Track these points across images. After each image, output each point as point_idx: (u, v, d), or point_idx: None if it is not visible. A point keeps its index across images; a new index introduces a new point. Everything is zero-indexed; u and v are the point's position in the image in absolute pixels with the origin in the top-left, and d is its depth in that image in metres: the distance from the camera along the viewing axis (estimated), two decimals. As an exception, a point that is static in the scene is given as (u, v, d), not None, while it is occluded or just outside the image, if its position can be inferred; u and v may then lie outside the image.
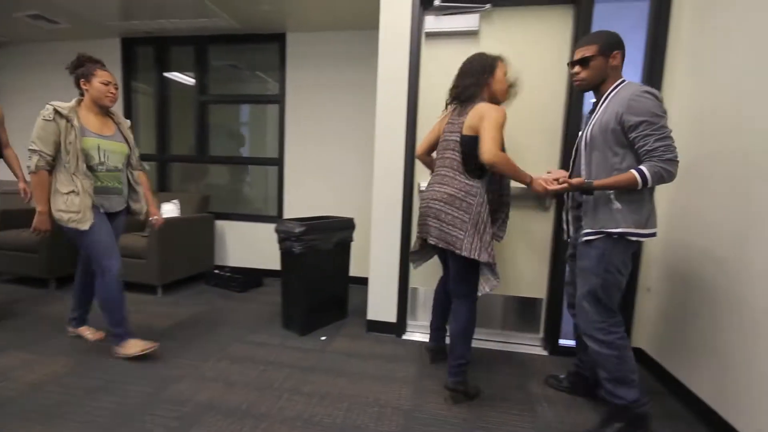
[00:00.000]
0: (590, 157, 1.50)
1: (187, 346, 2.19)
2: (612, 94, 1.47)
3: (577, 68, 1.52)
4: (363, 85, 3.37)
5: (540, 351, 2.34)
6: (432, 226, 1.71)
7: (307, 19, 3.22)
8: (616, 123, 1.40)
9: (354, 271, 3.55)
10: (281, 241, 2.40)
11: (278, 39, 3.51)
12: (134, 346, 2.02)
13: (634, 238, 1.42)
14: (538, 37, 2.23)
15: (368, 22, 3.02)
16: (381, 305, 2.49)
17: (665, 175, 1.34)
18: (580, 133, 1.61)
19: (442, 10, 2.25)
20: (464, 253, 1.61)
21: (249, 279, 3.37)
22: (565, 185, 1.48)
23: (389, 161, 2.37)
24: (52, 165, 1.86)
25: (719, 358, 1.59)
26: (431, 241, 1.72)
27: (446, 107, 1.84)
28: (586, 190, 1.46)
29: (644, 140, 1.35)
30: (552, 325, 2.30)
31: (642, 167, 1.35)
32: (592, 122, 1.50)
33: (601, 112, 1.47)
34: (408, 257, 2.41)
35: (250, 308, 2.89)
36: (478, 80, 1.69)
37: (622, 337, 1.48)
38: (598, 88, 1.53)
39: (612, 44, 1.48)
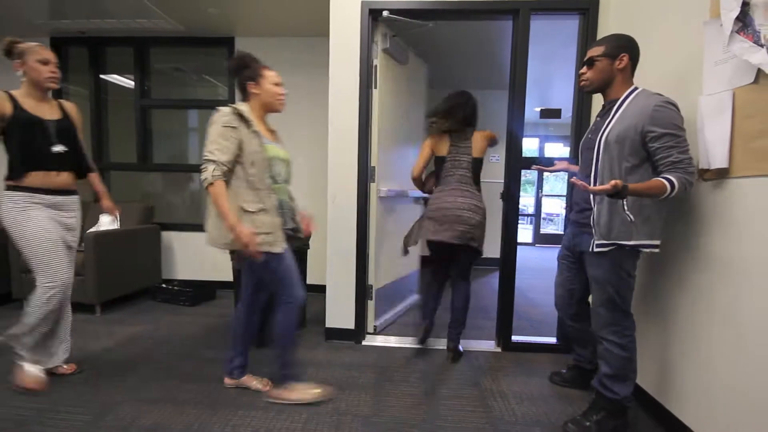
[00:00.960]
0: (603, 165, 1.45)
1: (128, 367, 2.04)
2: (628, 100, 1.44)
3: (584, 68, 1.53)
4: (315, 91, 3.34)
5: (493, 347, 2.44)
6: (459, 230, 2.02)
7: (257, 24, 3.16)
8: (635, 133, 1.37)
9: (312, 279, 3.51)
10: (232, 252, 2.32)
11: (226, 43, 3.41)
12: (305, 392, 1.77)
13: (647, 250, 1.44)
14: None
15: (320, 29, 3.01)
16: (339, 312, 2.47)
17: (688, 188, 1.33)
18: (587, 135, 1.60)
19: (390, 22, 2.31)
20: (480, 249, 2.10)
21: (200, 292, 3.22)
22: (609, 187, 1.27)
23: (343, 168, 2.38)
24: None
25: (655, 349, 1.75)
26: (455, 241, 2.02)
27: (432, 134, 2.19)
28: (619, 193, 1.30)
29: (668, 152, 1.33)
30: (504, 322, 2.40)
31: (670, 177, 1.31)
32: (607, 128, 1.45)
33: (618, 119, 1.43)
34: (365, 263, 2.43)
35: (202, 323, 2.75)
36: (471, 113, 2.15)
37: (633, 339, 1.52)
38: (606, 92, 1.52)
39: (620, 47, 1.46)
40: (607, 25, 2.16)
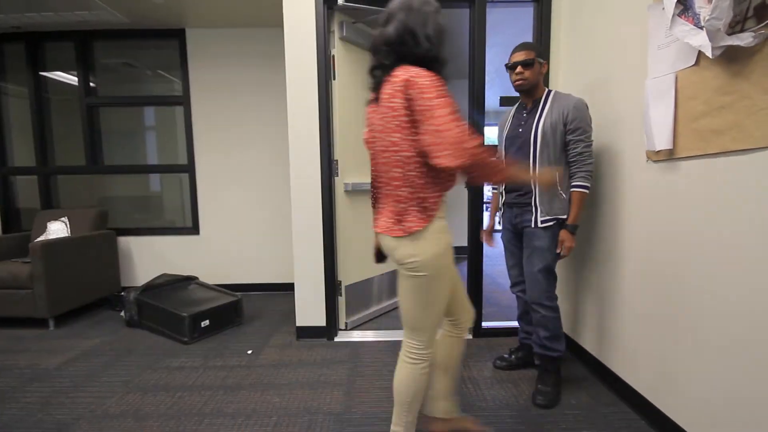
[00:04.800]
0: (542, 152, 1.68)
1: (85, 383, 1.93)
2: (551, 97, 1.72)
3: (519, 68, 1.71)
4: (275, 84, 3.24)
5: (465, 335, 2.47)
6: None
7: (208, 15, 3.01)
8: (562, 123, 1.65)
9: (280, 278, 3.45)
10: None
11: (177, 35, 3.24)
12: None
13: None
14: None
15: (275, 19, 2.90)
16: (309, 310, 2.43)
17: (592, 176, 1.66)
18: (516, 129, 1.78)
19: (348, 11, 2.25)
20: None
21: (164, 298, 3.08)
22: (570, 244, 1.67)
23: (305, 163, 2.32)
24: None
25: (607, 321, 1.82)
26: None
27: None
28: (575, 230, 1.68)
29: (576, 144, 1.64)
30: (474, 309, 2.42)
31: (578, 182, 1.64)
32: (540, 120, 1.69)
33: (548, 112, 1.69)
34: (333, 258, 2.39)
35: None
36: None
37: (557, 298, 1.78)
38: (532, 92, 1.75)
39: (541, 54, 1.77)
40: (560, 13, 2.20)
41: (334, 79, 2.33)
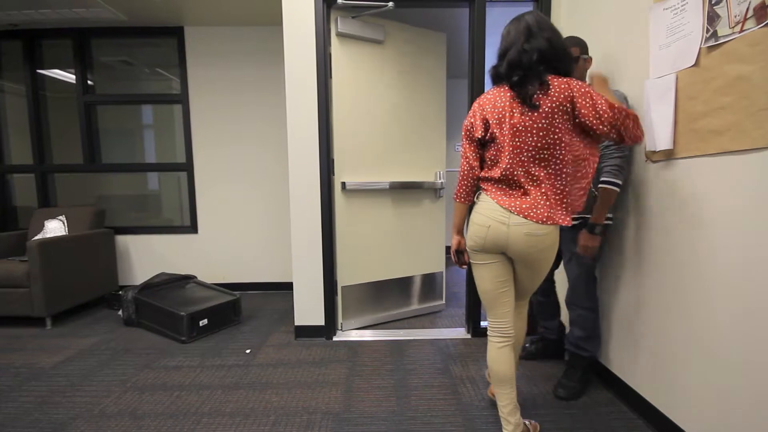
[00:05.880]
0: None
1: (82, 382, 1.92)
2: None
3: None
4: (274, 81, 3.23)
5: (463, 334, 2.47)
6: None
7: (206, 13, 3.00)
8: None
9: (278, 277, 3.44)
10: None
11: (175, 33, 3.22)
12: None
13: (609, 222, 1.66)
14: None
15: (274, 17, 2.90)
16: (308, 309, 2.43)
17: (623, 170, 1.54)
18: None
19: (347, 9, 2.24)
20: None
21: (161, 297, 3.07)
22: (597, 243, 1.60)
23: (304, 162, 2.31)
24: None
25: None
26: None
27: None
28: (594, 227, 1.59)
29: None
30: (473, 308, 2.43)
31: (604, 177, 1.55)
32: None
33: None
34: (332, 257, 2.38)
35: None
36: None
37: (598, 299, 1.76)
38: None
39: (585, 49, 1.68)
40: (560, 12, 2.20)
41: (331, 77, 2.32)
